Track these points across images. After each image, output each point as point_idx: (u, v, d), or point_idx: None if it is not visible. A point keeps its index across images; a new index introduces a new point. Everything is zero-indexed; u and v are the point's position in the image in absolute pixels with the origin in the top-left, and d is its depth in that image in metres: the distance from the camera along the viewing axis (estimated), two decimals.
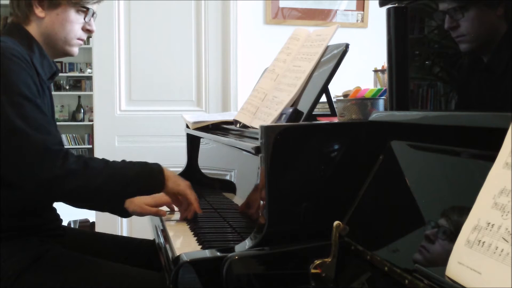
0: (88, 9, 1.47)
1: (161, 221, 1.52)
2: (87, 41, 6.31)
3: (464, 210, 0.70)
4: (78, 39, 1.48)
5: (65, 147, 1.43)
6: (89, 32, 1.51)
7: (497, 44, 0.87)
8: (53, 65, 1.47)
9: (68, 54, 1.50)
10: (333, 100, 1.54)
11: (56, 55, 1.50)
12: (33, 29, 1.43)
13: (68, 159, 1.24)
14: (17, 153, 1.21)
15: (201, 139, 1.95)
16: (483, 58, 0.90)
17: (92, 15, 1.49)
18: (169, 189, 1.41)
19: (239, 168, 1.48)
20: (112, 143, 2.90)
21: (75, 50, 1.50)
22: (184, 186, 1.45)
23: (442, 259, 0.71)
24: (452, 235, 0.73)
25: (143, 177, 1.35)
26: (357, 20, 3.04)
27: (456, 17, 0.90)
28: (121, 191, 1.35)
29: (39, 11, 1.41)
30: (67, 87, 6.66)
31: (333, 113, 1.53)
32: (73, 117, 6.67)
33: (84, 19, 1.47)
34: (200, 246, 1.23)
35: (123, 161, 1.38)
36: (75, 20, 1.45)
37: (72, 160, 1.25)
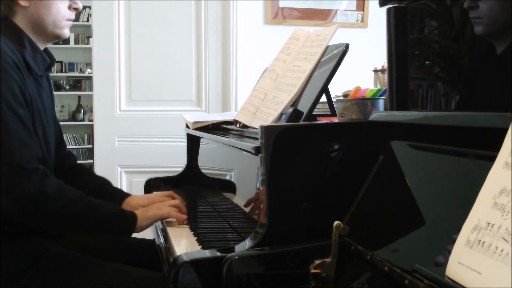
0: None
1: (161, 221, 1.52)
2: (87, 41, 6.33)
3: (464, 210, 0.70)
4: (68, 20, 1.45)
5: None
6: (76, 10, 1.47)
7: None
8: (47, 58, 1.45)
9: (59, 37, 1.46)
10: (333, 100, 1.54)
11: (48, 40, 1.46)
12: (19, 20, 1.40)
13: (46, 181, 1.23)
14: None
15: (201, 139, 1.95)
16: (497, 47, 0.89)
17: None
18: (144, 227, 1.40)
19: (239, 168, 1.48)
20: (112, 143, 2.90)
21: (66, 32, 1.47)
22: (154, 214, 1.41)
23: (442, 259, 0.71)
24: (452, 235, 0.73)
25: (113, 221, 1.34)
26: (357, 20, 3.04)
27: None
28: (89, 228, 1.33)
29: (22, 1, 1.38)
30: (67, 87, 6.65)
31: (333, 113, 1.53)
32: (73, 117, 6.67)
33: None
34: (200, 246, 1.23)
35: (100, 200, 1.36)
36: (60, 0, 1.42)
37: (49, 183, 1.24)
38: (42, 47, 1.45)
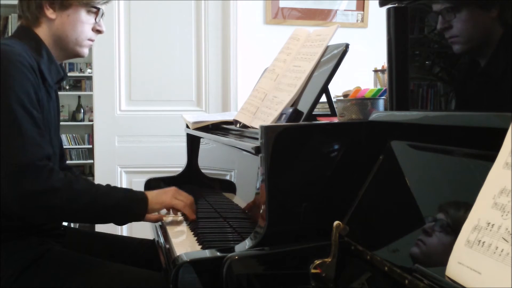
0: (98, 9, 1.46)
1: (161, 221, 1.52)
2: None
3: (464, 210, 0.70)
4: (89, 40, 1.48)
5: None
6: (99, 32, 1.50)
7: (494, 47, 0.86)
8: (61, 70, 1.47)
9: (78, 55, 1.49)
10: (333, 100, 1.54)
11: (66, 56, 1.49)
12: (43, 31, 1.42)
13: (53, 176, 1.23)
14: (2, 162, 1.19)
15: (201, 139, 1.95)
16: (479, 60, 0.90)
17: (102, 16, 1.49)
18: (155, 210, 1.41)
19: (239, 168, 1.48)
20: (112, 143, 2.90)
21: (86, 51, 1.50)
22: (168, 201, 1.43)
23: (442, 259, 0.71)
24: (452, 235, 0.73)
25: (125, 206, 1.34)
26: (357, 20, 3.04)
27: (448, 17, 0.90)
28: (101, 217, 1.35)
29: (49, 13, 1.40)
30: (67, 87, 6.64)
31: (333, 113, 1.53)
32: (73, 117, 6.66)
33: (95, 19, 1.47)
34: (200, 246, 1.23)
35: (108, 186, 1.36)
36: (86, 21, 1.45)
37: (56, 178, 1.24)
38: (58, 63, 1.47)
